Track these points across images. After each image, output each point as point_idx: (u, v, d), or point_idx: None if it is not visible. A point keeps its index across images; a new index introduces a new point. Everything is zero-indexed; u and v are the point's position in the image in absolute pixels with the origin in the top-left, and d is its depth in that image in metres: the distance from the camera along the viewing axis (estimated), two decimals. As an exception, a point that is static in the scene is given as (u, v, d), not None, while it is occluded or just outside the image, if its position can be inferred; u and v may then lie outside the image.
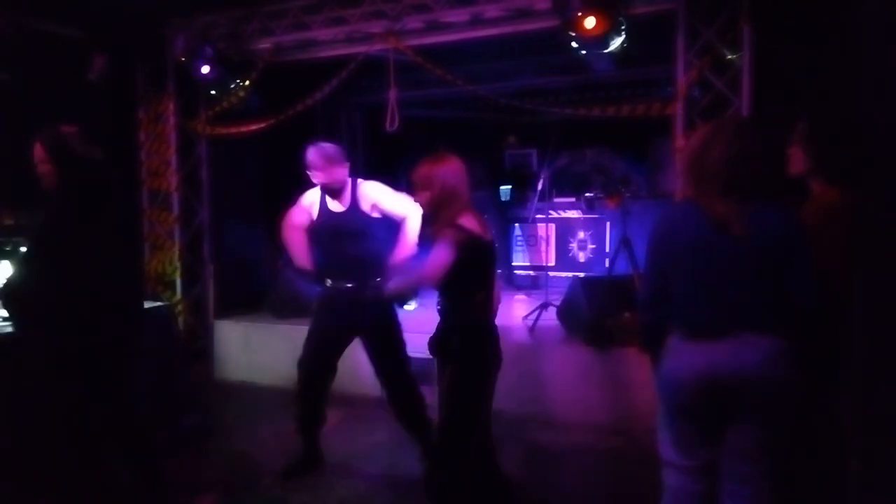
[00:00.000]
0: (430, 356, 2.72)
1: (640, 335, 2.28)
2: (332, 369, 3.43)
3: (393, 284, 2.82)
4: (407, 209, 3.25)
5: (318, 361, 3.39)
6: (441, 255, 2.46)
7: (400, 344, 3.40)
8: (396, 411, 3.40)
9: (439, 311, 2.65)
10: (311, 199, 3.43)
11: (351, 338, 3.43)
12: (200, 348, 5.43)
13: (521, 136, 8.05)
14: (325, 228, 3.35)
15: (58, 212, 2.67)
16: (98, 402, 2.74)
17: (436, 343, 2.67)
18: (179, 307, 5.38)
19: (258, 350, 5.27)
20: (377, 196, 3.33)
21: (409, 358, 3.43)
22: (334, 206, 3.35)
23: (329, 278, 3.36)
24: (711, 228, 2.00)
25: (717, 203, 2.00)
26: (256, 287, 5.89)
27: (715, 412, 2.05)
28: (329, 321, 3.38)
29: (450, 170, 2.57)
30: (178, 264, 5.40)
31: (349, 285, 3.29)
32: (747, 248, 1.97)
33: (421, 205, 2.67)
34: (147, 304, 4.32)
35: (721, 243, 1.99)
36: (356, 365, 3.69)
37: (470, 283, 2.57)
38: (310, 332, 3.43)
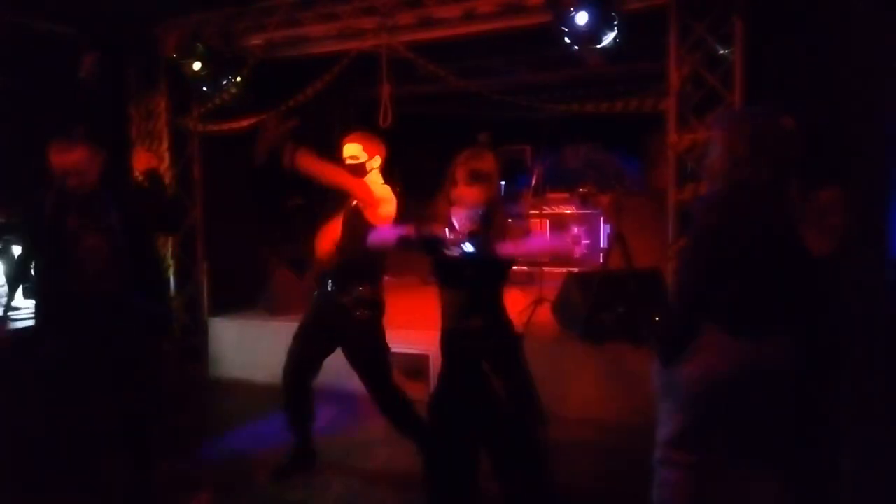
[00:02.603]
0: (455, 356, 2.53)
1: (667, 334, 2.17)
2: (312, 367, 3.38)
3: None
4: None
5: (300, 356, 3.37)
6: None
7: (379, 360, 3.30)
8: (387, 418, 3.40)
9: (481, 306, 2.49)
10: None
11: (334, 343, 3.34)
12: (194, 346, 5.42)
13: (504, 133, 8.03)
14: (338, 221, 3.29)
15: None
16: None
17: (497, 341, 2.49)
18: (173, 305, 5.36)
19: (252, 348, 5.26)
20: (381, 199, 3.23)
21: (389, 371, 3.35)
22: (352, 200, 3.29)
23: (328, 278, 3.31)
24: (767, 224, 1.97)
25: (774, 198, 1.96)
26: (250, 284, 5.88)
27: (745, 409, 2.04)
28: (313, 321, 3.37)
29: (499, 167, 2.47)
30: (171, 262, 5.38)
31: (333, 289, 3.24)
32: (792, 245, 1.95)
33: (475, 199, 2.41)
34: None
35: (774, 239, 1.96)
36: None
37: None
38: (298, 326, 3.43)
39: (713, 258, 2.02)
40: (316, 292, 3.37)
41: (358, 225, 3.10)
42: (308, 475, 3.42)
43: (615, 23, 3.70)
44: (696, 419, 2.10)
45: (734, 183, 2.01)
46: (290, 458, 3.46)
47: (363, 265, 3.20)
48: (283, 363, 3.39)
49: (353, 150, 3.26)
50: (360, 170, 3.26)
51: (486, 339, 2.46)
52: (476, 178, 2.38)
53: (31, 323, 3.75)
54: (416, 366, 4.43)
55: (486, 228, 2.43)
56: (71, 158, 2.87)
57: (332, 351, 3.36)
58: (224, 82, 4.83)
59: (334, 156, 3.26)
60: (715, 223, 2.02)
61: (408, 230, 2.42)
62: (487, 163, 2.42)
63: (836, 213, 1.90)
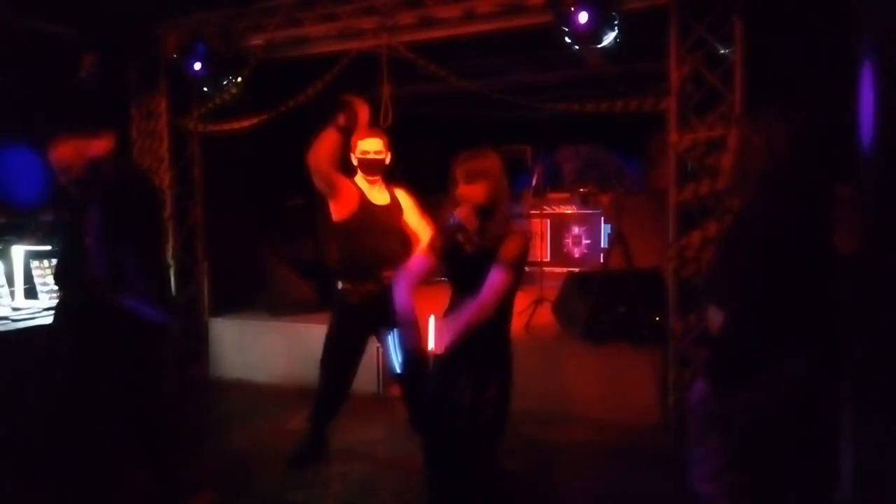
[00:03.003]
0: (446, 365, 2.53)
1: (727, 358, 2.03)
2: (355, 370, 3.48)
3: (448, 337, 2.37)
4: (424, 231, 3.26)
5: (344, 365, 3.43)
6: (504, 279, 2.31)
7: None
8: (410, 407, 3.41)
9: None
10: (351, 192, 3.35)
11: (370, 336, 3.46)
12: (195, 347, 5.42)
13: (504, 133, 8.02)
14: (366, 221, 3.30)
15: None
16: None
17: (483, 356, 2.47)
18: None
19: (253, 348, 5.27)
20: (409, 204, 3.39)
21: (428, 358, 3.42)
22: (377, 198, 3.34)
23: (351, 279, 3.31)
24: (820, 225, 1.90)
25: (819, 197, 1.89)
26: (250, 285, 5.88)
27: (801, 426, 2.00)
28: (354, 327, 3.39)
29: (502, 165, 2.48)
30: (171, 262, 5.38)
31: (375, 290, 3.25)
32: (830, 245, 1.89)
33: (476, 196, 2.44)
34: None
35: (821, 241, 1.89)
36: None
37: (517, 289, 2.48)
38: (334, 335, 3.42)
39: (778, 268, 1.89)
40: (342, 295, 3.36)
41: (397, 222, 3.30)
42: (308, 475, 3.43)
43: (615, 22, 3.70)
44: (757, 447, 1.99)
45: (776, 184, 1.90)
46: (302, 447, 3.49)
47: (385, 255, 3.27)
48: (324, 372, 3.42)
49: (377, 144, 3.31)
50: (382, 165, 3.30)
51: (472, 347, 2.42)
52: (473, 175, 2.42)
53: (32, 323, 3.77)
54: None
55: (487, 224, 2.45)
56: (49, 158, 2.83)
57: (368, 339, 3.46)
58: (224, 83, 4.83)
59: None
60: (777, 229, 1.90)
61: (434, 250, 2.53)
62: (485, 161, 2.44)
63: (852, 209, 1.87)
